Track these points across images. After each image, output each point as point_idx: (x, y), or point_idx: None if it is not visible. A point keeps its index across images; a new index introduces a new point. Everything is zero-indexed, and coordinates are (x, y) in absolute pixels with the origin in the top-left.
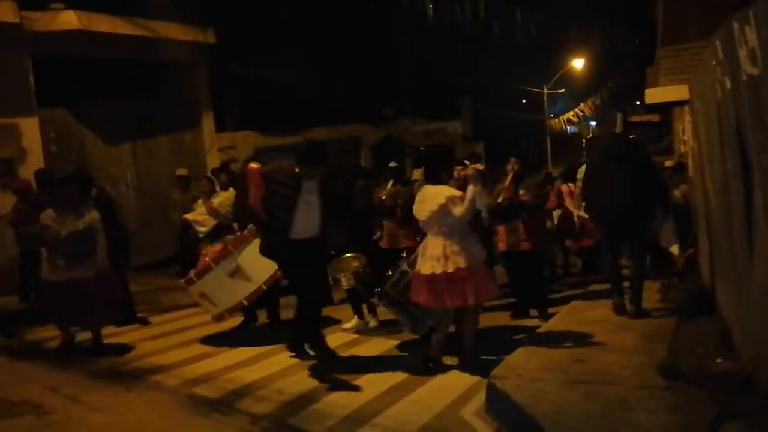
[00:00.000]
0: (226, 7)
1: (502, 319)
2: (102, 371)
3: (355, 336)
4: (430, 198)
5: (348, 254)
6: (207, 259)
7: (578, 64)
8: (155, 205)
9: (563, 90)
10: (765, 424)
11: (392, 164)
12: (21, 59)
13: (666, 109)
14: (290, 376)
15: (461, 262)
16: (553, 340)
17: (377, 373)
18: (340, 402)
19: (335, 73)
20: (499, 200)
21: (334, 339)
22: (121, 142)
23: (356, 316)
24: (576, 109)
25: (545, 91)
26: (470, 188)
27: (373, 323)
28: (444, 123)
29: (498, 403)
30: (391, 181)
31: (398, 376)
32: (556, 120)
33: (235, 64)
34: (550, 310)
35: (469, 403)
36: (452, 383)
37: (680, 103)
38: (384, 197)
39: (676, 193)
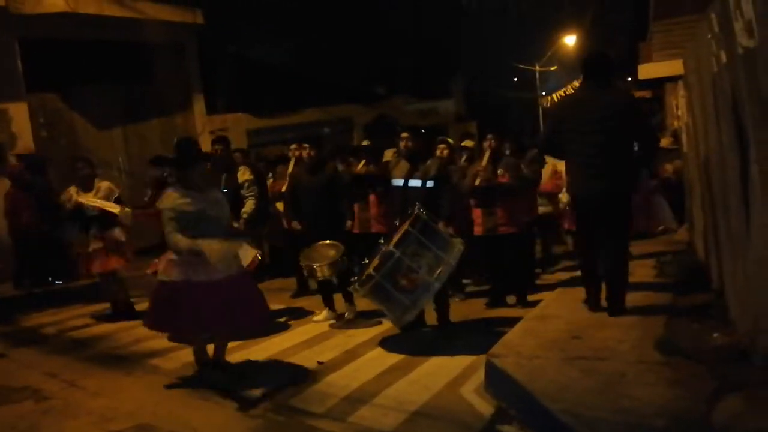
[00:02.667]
0: None
1: (477, 307)
2: (100, 356)
3: (327, 328)
4: None
5: (322, 242)
6: None
7: (570, 40)
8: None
9: (555, 67)
10: (763, 396)
11: (365, 143)
12: (8, 43)
13: (658, 85)
14: (288, 357)
15: None
16: (549, 318)
17: (373, 354)
18: (339, 382)
19: (327, 53)
20: (476, 183)
21: (307, 330)
22: (111, 127)
23: (327, 308)
24: (569, 86)
25: (537, 68)
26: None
27: (349, 314)
28: (436, 102)
29: (497, 381)
30: (363, 161)
31: (395, 357)
32: (549, 97)
33: (225, 45)
34: (532, 298)
35: (468, 381)
36: (450, 363)
37: (673, 79)
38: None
39: (669, 167)
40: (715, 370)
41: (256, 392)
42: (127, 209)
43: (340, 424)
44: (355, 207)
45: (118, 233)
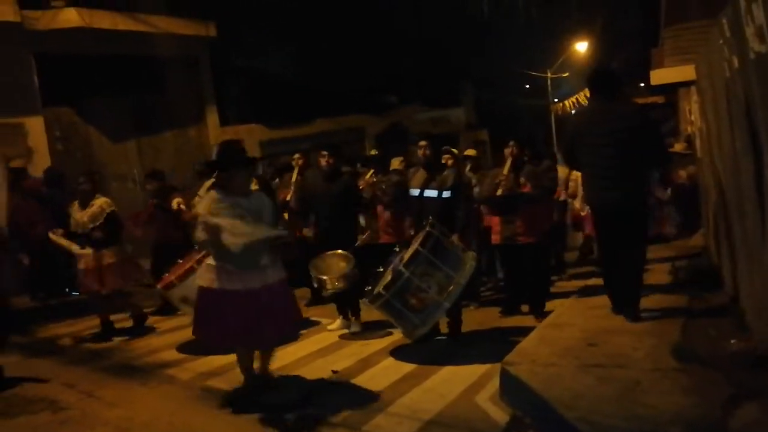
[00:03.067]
0: (226, 0)
1: (491, 315)
2: (117, 367)
3: (338, 339)
4: None
5: (333, 252)
6: (192, 261)
7: (581, 47)
8: None
9: (567, 74)
10: None
11: (373, 152)
12: (24, 58)
13: (671, 90)
14: (302, 366)
15: None
16: (563, 325)
17: (387, 363)
18: (354, 391)
19: (338, 63)
20: (498, 192)
21: (322, 339)
22: (126, 139)
23: (341, 316)
24: (582, 93)
25: (549, 75)
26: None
27: (355, 328)
28: (447, 111)
29: (512, 389)
30: (371, 171)
31: (409, 366)
32: (561, 104)
33: (238, 57)
34: (546, 307)
35: (483, 389)
36: (464, 371)
37: (686, 84)
38: (362, 188)
39: (682, 173)
40: (732, 376)
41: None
42: (86, 251)
43: (354, 427)
44: (363, 218)
45: (108, 253)
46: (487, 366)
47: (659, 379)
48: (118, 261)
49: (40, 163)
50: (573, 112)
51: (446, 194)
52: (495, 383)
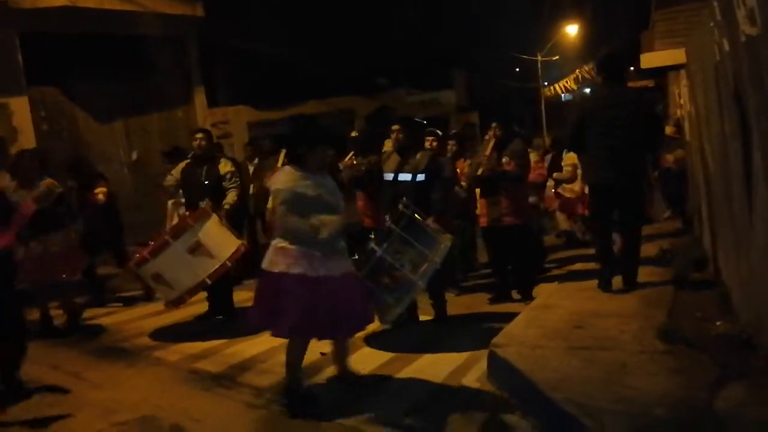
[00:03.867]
0: None
1: (480, 300)
2: (103, 349)
3: None
4: None
5: None
6: (165, 235)
7: (572, 30)
8: (149, 183)
9: (557, 57)
10: (766, 384)
11: (354, 134)
12: (8, 38)
13: (661, 74)
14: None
15: None
16: (551, 307)
17: (375, 346)
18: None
19: (328, 44)
20: (479, 172)
21: None
22: (113, 120)
23: None
24: (577, 71)
25: (539, 58)
26: None
27: None
28: (437, 93)
29: (500, 371)
30: (351, 153)
31: (397, 349)
32: (551, 88)
33: (226, 37)
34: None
35: (470, 371)
36: (452, 353)
37: (676, 68)
38: (342, 170)
39: (669, 157)
40: (718, 358)
41: (259, 382)
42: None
43: (344, 412)
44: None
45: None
46: (475, 349)
47: (646, 361)
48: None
49: (25, 144)
50: (568, 97)
51: (420, 177)
52: (483, 365)
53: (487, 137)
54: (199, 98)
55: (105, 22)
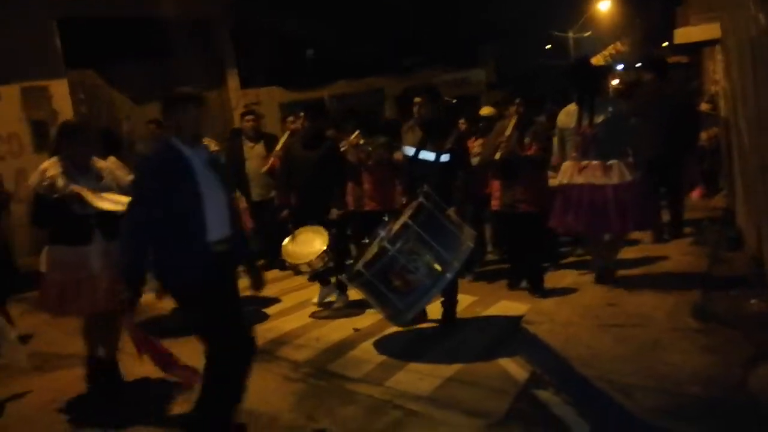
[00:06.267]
0: None
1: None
2: (144, 324)
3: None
4: None
5: (305, 228)
6: None
7: (603, 6)
8: None
9: (590, 33)
10: None
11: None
12: (46, 22)
13: (695, 49)
14: (325, 325)
15: None
16: (583, 285)
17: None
18: (375, 349)
19: (357, 24)
20: (496, 156)
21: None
22: (148, 102)
23: (336, 289)
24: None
25: (571, 35)
26: None
27: (338, 303)
28: (467, 72)
29: (531, 348)
30: (357, 132)
31: (427, 326)
32: None
33: (258, 19)
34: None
35: (502, 348)
36: (483, 331)
37: (711, 43)
38: (344, 149)
39: (703, 135)
40: (752, 336)
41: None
42: None
43: (377, 387)
44: (349, 184)
45: None
46: (506, 325)
47: (678, 339)
48: None
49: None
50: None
51: (444, 158)
52: (514, 342)
53: (508, 114)
54: (232, 79)
55: (140, 6)
